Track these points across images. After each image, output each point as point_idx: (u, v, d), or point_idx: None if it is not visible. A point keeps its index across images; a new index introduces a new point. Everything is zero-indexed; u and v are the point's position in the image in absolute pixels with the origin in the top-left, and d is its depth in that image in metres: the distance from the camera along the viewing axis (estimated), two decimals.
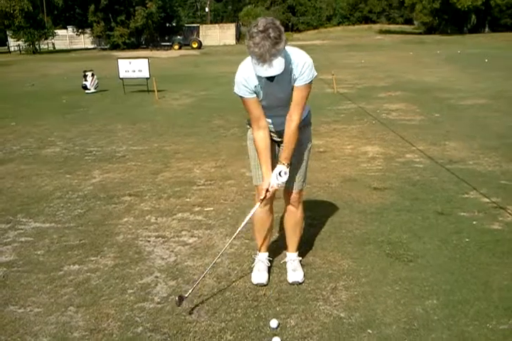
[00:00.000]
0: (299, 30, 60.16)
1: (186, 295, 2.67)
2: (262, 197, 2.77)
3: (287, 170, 2.73)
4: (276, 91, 2.63)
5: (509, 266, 3.11)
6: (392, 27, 55.77)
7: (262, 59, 2.36)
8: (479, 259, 3.21)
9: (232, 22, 53.84)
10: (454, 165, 5.36)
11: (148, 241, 3.65)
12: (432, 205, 4.18)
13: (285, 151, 2.74)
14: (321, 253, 3.34)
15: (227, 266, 3.22)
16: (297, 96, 2.62)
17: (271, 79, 2.48)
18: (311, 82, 2.62)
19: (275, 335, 2.43)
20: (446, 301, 2.74)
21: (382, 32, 51.31)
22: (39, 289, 3.00)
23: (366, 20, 62.37)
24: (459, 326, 2.51)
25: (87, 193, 4.81)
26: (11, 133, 7.97)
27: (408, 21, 57.19)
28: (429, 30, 47.63)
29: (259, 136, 2.72)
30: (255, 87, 2.61)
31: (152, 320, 2.64)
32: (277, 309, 2.70)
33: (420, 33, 47.55)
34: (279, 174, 2.72)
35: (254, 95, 2.64)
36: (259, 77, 2.54)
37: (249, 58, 2.56)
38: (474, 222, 3.80)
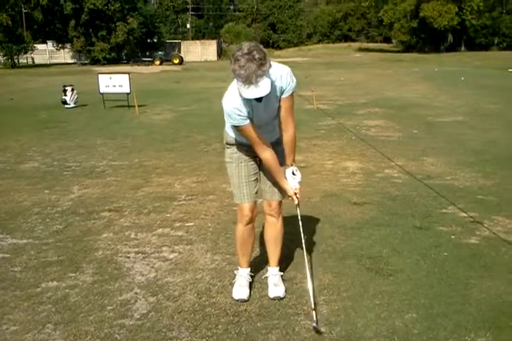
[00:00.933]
0: (279, 48, 60.88)
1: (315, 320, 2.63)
2: (296, 202, 2.92)
3: (296, 168, 2.91)
4: (265, 109, 2.71)
5: (486, 279, 3.16)
6: (371, 45, 56.87)
7: (248, 81, 2.40)
8: (457, 273, 3.25)
9: (213, 38, 54.29)
10: (432, 180, 5.44)
11: (128, 257, 3.62)
12: (410, 220, 4.23)
13: (289, 156, 2.90)
14: (300, 268, 3.34)
15: (207, 281, 3.21)
16: (287, 106, 2.75)
17: (259, 100, 2.52)
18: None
19: None
20: (425, 315, 2.76)
21: (361, 50, 52.24)
22: (16, 306, 2.95)
23: (346, 38, 63.51)
24: (438, 339, 2.54)
25: (66, 209, 4.76)
26: None
27: (387, 40, 58.40)
28: (407, 48, 48.68)
29: (269, 155, 2.79)
30: (248, 112, 2.65)
31: (132, 337, 2.61)
32: (258, 324, 2.70)
33: (398, 51, 48.52)
34: (293, 173, 2.88)
35: (249, 120, 2.68)
36: (248, 102, 2.59)
37: (231, 87, 2.63)
38: (452, 237, 3.86)
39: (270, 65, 2.47)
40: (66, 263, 3.53)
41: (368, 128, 8.86)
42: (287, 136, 2.85)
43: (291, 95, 2.75)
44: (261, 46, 2.49)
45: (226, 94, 2.69)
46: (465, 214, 4.33)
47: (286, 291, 2.99)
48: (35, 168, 6.50)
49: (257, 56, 2.39)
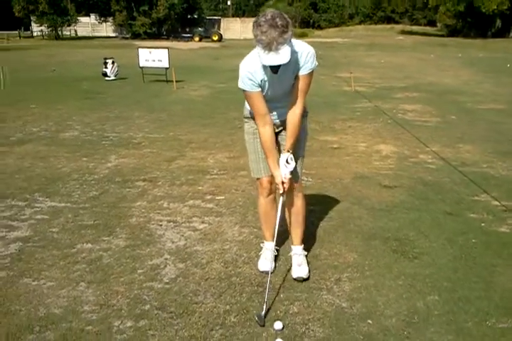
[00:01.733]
0: (320, 28, 59.85)
1: (263, 313, 2.57)
2: (281, 191, 2.81)
3: (292, 156, 2.78)
4: (280, 83, 2.68)
5: None
6: (415, 28, 55.27)
7: (269, 47, 2.40)
8: (484, 260, 3.25)
9: (253, 16, 53.70)
10: (467, 167, 5.37)
11: (160, 225, 3.74)
12: (441, 205, 4.21)
13: (289, 140, 2.80)
14: (327, 246, 3.41)
15: (234, 252, 3.30)
16: (301, 85, 2.68)
17: (275, 71, 2.52)
18: (312, 71, 2.67)
19: (278, 337, 2.41)
20: (447, 298, 2.79)
21: (404, 32, 50.86)
22: (52, 264, 3.11)
23: (389, 20, 61.84)
24: (458, 322, 2.57)
25: (103, 176, 4.92)
26: (30, 116, 8.12)
27: (431, 23, 56.63)
28: (452, 32, 47.12)
29: (267, 131, 2.75)
30: (261, 80, 2.64)
31: (160, 299, 2.73)
32: (281, 296, 2.78)
33: (443, 36, 47.06)
34: (287, 161, 2.77)
35: (259, 89, 2.66)
36: (264, 70, 2.58)
37: (252, 53, 2.62)
38: (482, 224, 3.83)
39: (292, 36, 2.45)
40: (101, 227, 3.69)
41: (405, 112, 8.73)
42: (292, 116, 2.76)
43: (309, 75, 2.68)
44: (285, 15, 2.47)
45: (245, 57, 2.67)
46: (497, 203, 4.28)
47: (309, 272, 2.98)
48: (75, 136, 6.70)
49: (279, 23, 2.39)
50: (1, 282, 2.90)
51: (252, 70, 2.61)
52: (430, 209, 4.11)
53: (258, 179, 3.03)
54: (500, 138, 6.82)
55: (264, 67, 2.55)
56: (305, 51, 2.63)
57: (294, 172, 2.88)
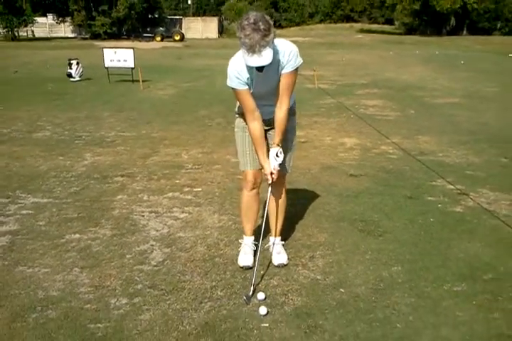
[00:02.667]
0: (281, 27, 60.35)
1: (251, 293, 2.77)
2: (269, 182, 2.96)
3: (281, 150, 2.93)
4: (265, 81, 2.83)
5: (466, 241, 3.52)
6: (373, 26, 56.50)
7: (252, 49, 2.54)
8: (441, 236, 3.61)
9: (214, 15, 53.83)
10: (425, 156, 5.78)
11: (143, 216, 3.96)
12: (402, 190, 4.58)
13: (277, 135, 2.93)
14: (300, 228, 3.71)
15: (216, 237, 3.56)
16: (285, 83, 2.82)
17: (260, 69, 2.69)
18: (297, 69, 2.83)
19: (261, 305, 2.67)
20: (409, 268, 3.13)
21: (363, 31, 51.92)
22: (44, 253, 3.30)
23: (348, 18, 62.99)
24: (419, 287, 2.90)
25: (81, 173, 5.08)
26: None
27: (389, 21, 57.98)
28: (409, 30, 48.46)
29: (255, 126, 2.88)
30: (247, 78, 2.81)
31: (150, 279, 2.97)
32: (261, 272, 3.05)
33: (400, 33, 48.32)
34: (276, 155, 2.92)
35: (247, 86, 2.79)
36: (249, 69, 2.75)
37: (239, 53, 2.75)
38: (439, 205, 4.21)
39: (274, 36, 2.62)
40: (86, 219, 3.88)
41: (367, 107, 9.15)
42: (279, 112, 2.88)
43: (292, 73, 2.80)
44: (267, 17, 2.58)
45: (233, 57, 2.80)
46: (453, 187, 4.68)
47: (288, 259, 3.18)
48: (47, 136, 6.80)
49: (262, 27, 2.51)
50: None
51: (238, 69, 2.75)
52: (392, 194, 4.47)
53: (243, 171, 3.15)
54: (455, 129, 7.29)
55: (250, 66, 2.70)
56: (287, 50, 2.75)
57: (281, 165, 3.03)
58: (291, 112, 3.04)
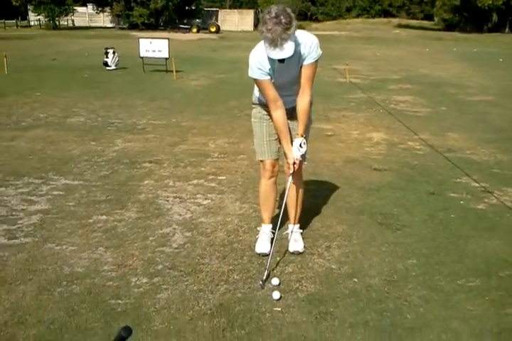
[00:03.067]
0: (317, 20, 60.02)
1: (264, 278, 2.85)
2: (291, 171, 3.02)
3: (305, 140, 3.01)
4: (286, 72, 2.90)
5: (486, 238, 3.51)
6: (412, 22, 55.54)
7: (274, 43, 2.60)
8: (460, 232, 3.61)
9: (250, 8, 53.83)
10: (452, 153, 5.73)
11: (167, 201, 4.09)
12: (425, 186, 4.57)
13: (301, 125, 3.00)
14: (319, 219, 3.77)
15: (236, 223, 3.66)
16: (307, 73, 2.89)
17: (282, 60, 2.75)
18: (317, 60, 2.90)
19: (275, 290, 2.74)
20: (424, 262, 3.15)
21: (401, 26, 51.11)
22: (72, 232, 3.46)
23: (386, 13, 62.10)
24: (432, 281, 2.93)
25: (111, 158, 5.25)
26: (37, 102, 8.42)
27: (428, 17, 56.91)
28: (449, 27, 47.43)
29: (279, 114, 2.93)
30: (269, 69, 2.87)
31: (170, 261, 3.08)
32: (277, 259, 3.13)
33: (439, 30, 47.35)
34: (300, 146, 2.99)
35: (269, 77, 2.85)
36: (271, 60, 2.81)
37: (260, 43, 2.82)
38: (461, 202, 4.20)
39: (295, 29, 2.67)
40: (113, 202, 4.03)
41: (397, 103, 9.08)
42: (301, 103, 2.95)
43: (313, 64, 2.87)
44: (289, 10, 2.63)
45: (254, 48, 2.86)
46: (477, 184, 4.65)
47: (305, 247, 3.25)
48: (82, 122, 7.02)
49: (283, 20, 2.56)
50: (28, 246, 3.24)
51: (260, 59, 2.81)
52: (415, 189, 4.48)
53: (262, 161, 3.21)
54: (486, 127, 7.19)
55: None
56: (309, 41, 2.81)
57: (302, 155, 3.11)
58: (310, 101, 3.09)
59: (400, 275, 2.98)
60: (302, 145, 3.00)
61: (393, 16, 60.50)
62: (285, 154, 3.06)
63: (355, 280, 2.92)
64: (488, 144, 6.16)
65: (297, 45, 2.74)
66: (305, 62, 2.87)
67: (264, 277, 2.86)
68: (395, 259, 3.18)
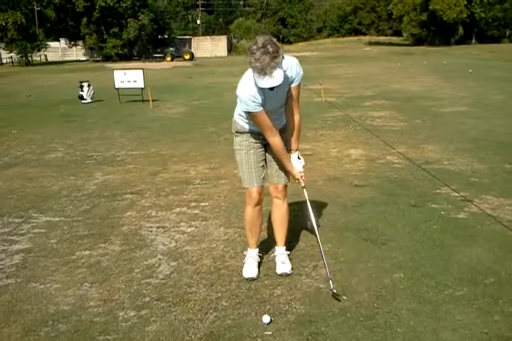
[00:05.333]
0: (289, 42, 61.07)
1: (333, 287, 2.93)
2: (303, 184, 3.24)
3: (300, 153, 3.22)
4: (276, 98, 2.97)
5: (469, 247, 3.55)
6: (381, 39, 56.89)
7: (263, 72, 2.66)
8: (444, 242, 3.65)
9: (223, 34, 54.64)
10: (430, 165, 5.82)
11: (151, 231, 4.07)
12: (406, 199, 4.63)
13: (295, 141, 3.20)
14: (304, 239, 3.78)
15: (221, 249, 3.65)
16: (295, 94, 3.06)
17: (272, 88, 2.79)
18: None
19: (265, 314, 2.73)
20: (411, 275, 3.17)
21: (371, 44, 52.30)
22: (56, 270, 3.41)
23: (356, 32, 63.53)
24: (420, 293, 2.95)
25: (92, 192, 5.22)
26: (13, 140, 8.37)
27: (397, 33, 58.31)
28: (418, 41, 48.66)
29: (277, 139, 3.03)
30: (262, 99, 2.88)
31: (157, 292, 3.05)
32: (266, 282, 3.13)
33: (409, 45, 48.55)
34: (298, 158, 3.19)
35: (262, 107, 2.91)
36: (261, 90, 2.85)
37: (246, 76, 2.89)
38: (443, 212, 4.26)
39: (283, 57, 2.76)
40: (96, 236, 3.99)
41: (373, 119, 9.23)
42: (293, 122, 3.13)
43: (299, 85, 3.05)
44: (274, 40, 2.72)
45: (241, 82, 2.91)
46: (457, 194, 4.72)
47: (292, 269, 3.25)
48: (60, 157, 6.98)
49: (270, 49, 2.64)
50: (10, 287, 3.18)
51: (252, 93, 2.86)
52: (396, 203, 4.52)
53: (247, 189, 3.24)
54: (462, 137, 7.33)
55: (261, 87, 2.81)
56: (293, 64, 2.93)
57: (283, 175, 3.24)
58: None
59: (388, 290, 2.99)
60: (300, 157, 3.21)
61: (363, 34, 61.90)
62: (290, 172, 3.20)
63: (344, 297, 2.92)
64: (465, 154, 6.28)
65: (284, 70, 2.80)
66: (294, 84, 3.00)
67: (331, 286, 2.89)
68: (382, 274, 3.19)
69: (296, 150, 3.21)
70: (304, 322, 2.69)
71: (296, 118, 3.14)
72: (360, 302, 2.87)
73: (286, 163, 3.15)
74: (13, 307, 2.94)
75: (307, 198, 3.31)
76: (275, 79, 2.70)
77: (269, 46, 2.65)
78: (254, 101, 2.89)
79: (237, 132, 3.23)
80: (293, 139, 3.19)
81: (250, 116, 3.00)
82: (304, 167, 3.25)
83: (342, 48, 47.12)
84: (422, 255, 3.44)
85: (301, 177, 3.21)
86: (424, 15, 45.29)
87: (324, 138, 7.60)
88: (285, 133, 3.16)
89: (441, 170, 5.57)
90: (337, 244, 3.66)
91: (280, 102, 3.04)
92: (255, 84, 2.79)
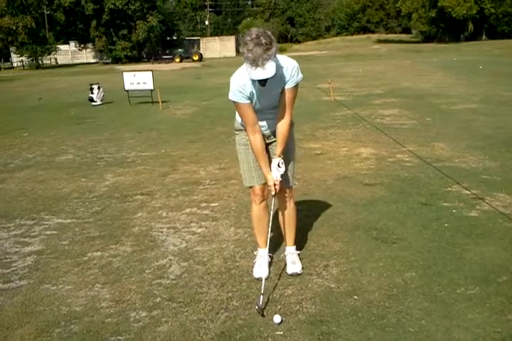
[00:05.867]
0: (298, 41, 61.05)
1: (260, 303, 2.79)
2: (273, 193, 3.04)
3: (282, 160, 3.03)
4: (267, 95, 2.94)
5: (481, 245, 3.52)
6: (390, 36, 56.64)
7: (255, 63, 2.64)
8: (455, 240, 3.62)
9: (231, 34, 54.72)
10: (441, 163, 5.78)
11: (161, 232, 4.08)
12: (416, 197, 4.60)
13: (279, 147, 3.03)
14: (315, 238, 3.77)
15: (232, 249, 3.65)
16: (288, 97, 2.94)
17: (263, 84, 2.77)
18: (298, 84, 2.95)
19: (276, 314, 2.72)
20: (423, 273, 3.15)
21: (380, 41, 52.07)
22: (67, 271, 3.43)
23: (364, 30, 63.30)
24: (432, 292, 2.93)
25: (102, 193, 5.25)
26: (24, 143, 8.44)
27: (406, 30, 58.05)
28: (427, 38, 48.39)
29: (257, 138, 2.97)
30: (250, 93, 2.87)
31: (168, 293, 3.06)
32: (276, 282, 3.12)
33: (418, 42, 48.30)
34: (278, 165, 3.01)
35: (249, 101, 2.89)
36: (253, 84, 2.85)
37: (242, 67, 2.87)
38: (454, 211, 4.22)
39: (276, 51, 2.72)
40: (107, 237, 4.02)
41: (383, 117, 9.18)
42: (282, 124, 2.99)
43: (295, 88, 2.92)
44: (269, 32, 2.69)
45: (236, 72, 2.91)
46: (468, 192, 4.68)
47: (303, 268, 3.24)
48: (70, 159, 7.03)
49: (263, 41, 2.62)
50: (23, 289, 3.21)
51: (242, 83, 2.86)
52: (407, 201, 4.50)
53: (251, 187, 3.24)
54: (472, 134, 7.26)
55: (253, 81, 2.81)
56: (290, 66, 2.87)
57: (286, 177, 3.14)
58: (291, 123, 3.12)
59: (400, 289, 2.97)
60: (280, 164, 3.02)
61: (372, 32, 61.68)
62: (265, 177, 3.07)
63: (356, 297, 2.91)
64: (476, 151, 6.22)
65: (279, 68, 2.78)
66: (286, 86, 2.91)
67: (260, 302, 2.80)
68: (394, 273, 3.17)
69: (279, 156, 3.04)
70: (315, 322, 2.68)
71: (286, 120, 3.00)
72: (371, 301, 2.85)
73: (262, 166, 3.04)
74: (25, 308, 2.96)
75: (272, 208, 3.13)
76: (267, 71, 2.67)
77: (262, 38, 2.64)
78: (241, 92, 2.87)
79: (236, 130, 3.23)
80: (278, 142, 3.04)
81: (236, 106, 2.97)
82: (281, 176, 3.05)
83: (351, 47, 46.96)
84: (434, 254, 3.42)
85: (275, 185, 3.02)
86: (433, 12, 44.99)
87: (334, 137, 7.58)
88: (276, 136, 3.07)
89: (452, 168, 5.52)
90: (347, 244, 3.65)
91: (271, 102, 2.97)
92: (249, 76, 2.78)
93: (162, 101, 12.27)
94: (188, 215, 4.46)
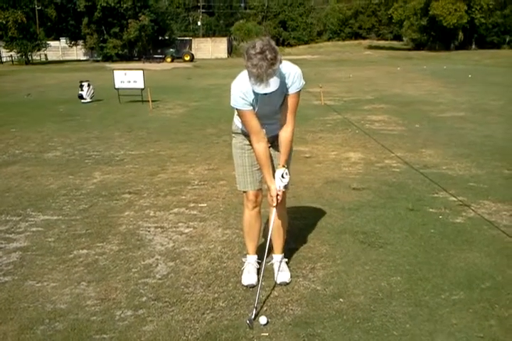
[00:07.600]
0: (290, 45, 61.17)
1: (253, 317, 2.73)
2: (274, 204, 2.95)
3: (287, 171, 2.95)
4: (269, 102, 2.88)
5: (466, 251, 3.56)
6: (382, 43, 57.06)
7: (260, 79, 2.55)
8: (441, 246, 3.66)
9: (224, 36, 54.72)
10: (428, 169, 5.83)
11: (149, 231, 4.07)
12: (404, 203, 4.64)
13: (283, 155, 2.96)
14: (301, 241, 3.78)
15: (219, 250, 3.65)
16: (291, 104, 2.86)
17: (265, 93, 2.70)
18: (300, 90, 2.88)
19: (262, 315, 2.73)
20: (408, 278, 3.18)
21: (371, 47, 52.45)
22: (53, 268, 3.41)
23: (356, 36, 63.68)
24: (417, 296, 2.96)
25: (90, 191, 5.22)
26: (12, 139, 8.35)
27: (397, 37, 58.50)
28: (418, 46, 48.85)
29: (261, 147, 2.87)
30: (252, 99, 2.79)
31: (155, 292, 3.05)
32: (263, 283, 3.12)
33: (409, 49, 48.73)
34: (282, 176, 2.92)
35: (251, 107, 2.81)
36: (255, 92, 2.76)
37: (243, 74, 2.80)
38: (440, 217, 4.27)
39: (280, 62, 2.66)
40: (94, 235, 3.99)
41: (372, 122, 9.25)
42: (285, 132, 2.92)
43: (297, 94, 2.85)
44: (273, 44, 2.60)
45: (237, 77, 2.83)
46: (454, 199, 4.73)
47: (291, 277, 3.19)
48: (58, 156, 6.98)
49: (269, 56, 2.52)
50: (7, 285, 3.18)
51: (244, 90, 2.77)
52: (394, 206, 4.53)
53: (245, 192, 3.16)
54: (460, 142, 7.35)
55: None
56: (292, 72, 2.79)
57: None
58: None
59: (385, 293, 3.00)
60: (284, 175, 2.93)
61: (363, 38, 62.07)
62: (267, 186, 2.97)
63: (341, 300, 2.92)
64: (463, 159, 6.30)
65: (281, 75, 2.72)
66: (288, 93, 2.84)
67: (253, 316, 2.74)
68: (379, 277, 3.20)
69: (283, 166, 2.96)
70: (300, 324, 2.69)
71: (289, 128, 2.92)
72: (356, 304, 2.87)
73: (266, 174, 2.94)
74: (9, 305, 2.93)
75: (272, 217, 3.07)
76: (271, 86, 2.62)
77: (267, 52, 2.55)
78: (243, 99, 2.79)
79: (233, 133, 3.17)
80: (281, 152, 2.97)
81: (238, 113, 2.91)
82: (285, 187, 2.97)
83: (342, 52, 47.22)
84: (419, 259, 3.45)
85: (277, 195, 2.93)
86: (424, 20, 45.48)
87: (323, 141, 7.61)
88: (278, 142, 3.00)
89: (439, 175, 5.58)
90: (334, 247, 3.67)
91: (273, 108, 2.91)
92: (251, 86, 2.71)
93: (152, 101, 12.23)
94: (175, 215, 4.45)
